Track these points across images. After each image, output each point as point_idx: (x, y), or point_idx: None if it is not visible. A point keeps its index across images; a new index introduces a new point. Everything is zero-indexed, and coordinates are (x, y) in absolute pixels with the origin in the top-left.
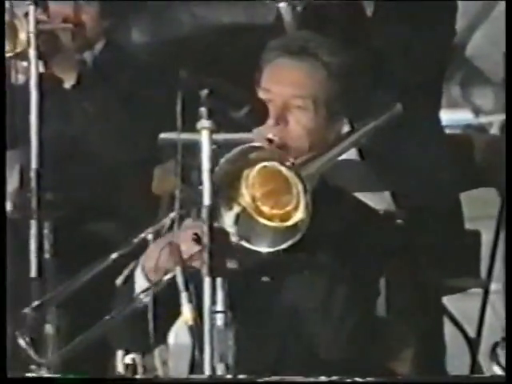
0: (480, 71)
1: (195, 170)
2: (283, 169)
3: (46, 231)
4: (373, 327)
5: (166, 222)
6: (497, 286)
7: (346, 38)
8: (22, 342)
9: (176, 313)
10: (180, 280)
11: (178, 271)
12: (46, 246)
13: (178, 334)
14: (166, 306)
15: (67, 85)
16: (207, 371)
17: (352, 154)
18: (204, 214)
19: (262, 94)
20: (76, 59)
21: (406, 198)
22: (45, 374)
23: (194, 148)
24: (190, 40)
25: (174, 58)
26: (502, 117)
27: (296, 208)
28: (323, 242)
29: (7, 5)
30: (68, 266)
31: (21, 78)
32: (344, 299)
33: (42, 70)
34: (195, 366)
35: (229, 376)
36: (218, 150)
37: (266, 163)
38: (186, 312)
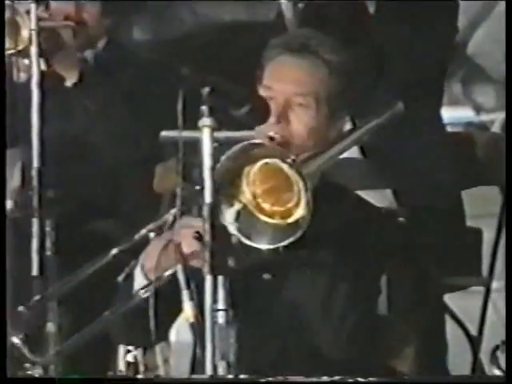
0: (481, 69)
1: (196, 168)
2: (284, 166)
3: (47, 229)
4: (374, 325)
5: (168, 217)
6: (498, 284)
7: (347, 36)
8: (16, 340)
9: (177, 310)
10: (181, 278)
11: (179, 269)
12: (48, 244)
13: (180, 332)
14: (167, 303)
15: (69, 83)
16: (208, 369)
17: (354, 152)
18: (205, 212)
19: (263, 92)
20: (78, 57)
21: (408, 196)
22: (40, 372)
23: (195, 146)
24: (191, 38)
25: (175, 56)
26: (503, 115)
27: (297, 205)
28: (325, 239)
29: (8, 1)
30: (70, 264)
31: (22, 76)
32: (345, 297)
33: (43, 67)
34: (197, 363)
35: (230, 376)
36: (220, 147)
37: (267, 160)
38: (188, 310)
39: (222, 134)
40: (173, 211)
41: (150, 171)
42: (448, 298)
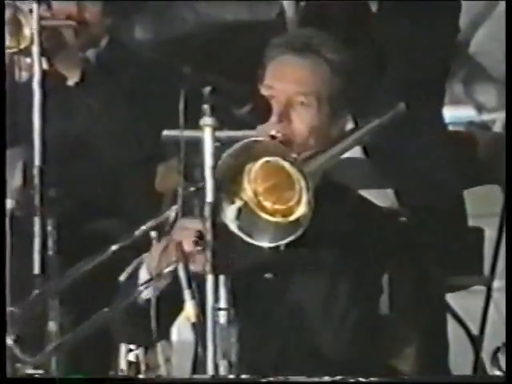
0: (483, 68)
1: (198, 167)
2: (286, 164)
3: (49, 228)
4: (375, 325)
5: (169, 214)
6: (500, 283)
7: (349, 35)
8: (8, 340)
9: (179, 309)
10: (183, 277)
11: (180, 268)
12: (50, 243)
13: (181, 331)
14: (168, 302)
15: (71, 82)
16: (210, 369)
17: (356, 152)
18: (207, 211)
19: (264, 91)
20: (79, 56)
21: (410, 196)
22: (30, 372)
23: (197, 145)
24: (192, 37)
25: (176, 55)
26: (504, 114)
27: (298, 204)
28: (326, 239)
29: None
30: (71, 263)
31: (24, 75)
32: (347, 296)
33: (45, 66)
34: (198, 363)
35: (232, 375)
36: (221, 147)
37: (268, 158)
38: (189, 309)
39: (224, 134)
40: (174, 207)
41: (151, 170)
42: (450, 298)
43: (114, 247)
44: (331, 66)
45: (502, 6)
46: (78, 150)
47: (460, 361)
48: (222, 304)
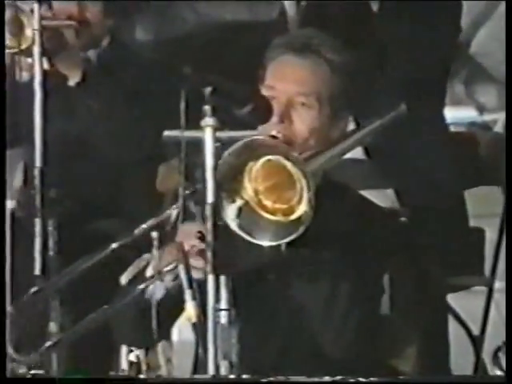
0: (484, 69)
1: (199, 167)
2: (287, 163)
3: (50, 229)
4: (376, 325)
5: (169, 213)
6: (501, 284)
7: (350, 35)
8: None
9: (179, 310)
10: (184, 277)
11: (181, 269)
12: (50, 243)
13: (182, 332)
14: (169, 303)
15: (72, 82)
16: (211, 369)
17: (358, 153)
18: (208, 211)
19: (265, 92)
20: (81, 57)
21: (411, 196)
22: (24, 371)
23: (197, 146)
24: (193, 38)
25: (177, 55)
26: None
27: (299, 203)
28: (327, 239)
29: (10, 0)
30: (72, 264)
31: (25, 75)
32: (348, 297)
33: (46, 67)
34: (199, 363)
35: (232, 376)
36: (222, 147)
37: (269, 157)
38: (190, 309)
39: (225, 134)
40: (174, 206)
41: (152, 171)
42: (450, 298)
43: (113, 245)
44: (332, 67)
45: (502, 6)
46: (78, 151)
47: (461, 361)
48: (223, 304)
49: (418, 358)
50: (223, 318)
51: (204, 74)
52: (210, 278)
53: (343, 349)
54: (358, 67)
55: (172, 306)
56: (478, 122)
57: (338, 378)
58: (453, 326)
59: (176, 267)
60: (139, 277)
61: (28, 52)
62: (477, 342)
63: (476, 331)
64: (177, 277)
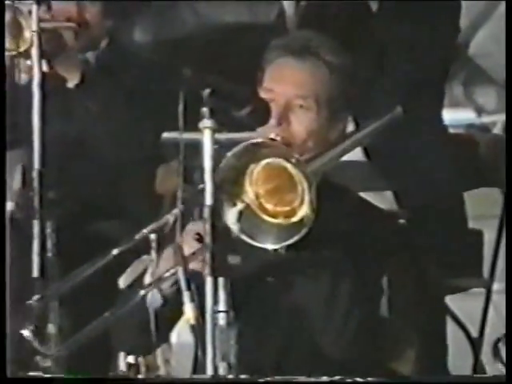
0: (483, 70)
1: (198, 169)
2: (288, 165)
3: (48, 231)
4: (376, 327)
5: (169, 218)
6: (499, 285)
7: (349, 35)
8: (27, 333)
9: (179, 313)
10: (182, 279)
11: (179, 271)
12: (49, 245)
13: (181, 333)
14: (169, 307)
15: (71, 84)
16: (209, 371)
17: (357, 155)
18: (206, 213)
19: (264, 94)
20: (79, 58)
21: (410, 198)
22: (49, 365)
23: (196, 147)
24: (192, 39)
25: (176, 57)
26: (504, 116)
27: (300, 205)
28: (326, 241)
29: (9, 2)
30: (71, 266)
31: (24, 77)
32: (347, 299)
33: (45, 69)
34: (198, 365)
35: (230, 376)
36: (221, 149)
37: (270, 160)
38: (188, 311)
39: (223, 136)
40: (174, 211)
41: (151, 172)
42: (449, 300)
43: (115, 251)
44: (330, 69)
45: (501, 7)
46: (77, 152)
47: (459, 363)
48: (222, 306)
49: (417, 360)
50: (221, 319)
51: (203, 76)
52: (209, 280)
53: (342, 351)
54: (357, 68)
55: (171, 312)
56: (477, 123)
57: (336, 378)
58: (451, 327)
59: (175, 274)
60: (138, 281)
61: (27, 54)
62: (475, 344)
63: (474, 333)
64: (176, 282)
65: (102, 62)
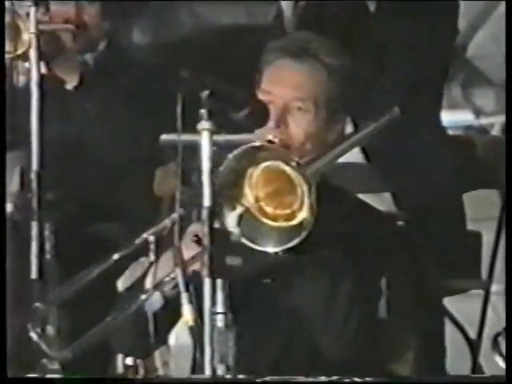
0: (481, 72)
1: (196, 171)
2: (287, 168)
3: (46, 232)
4: (375, 329)
5: (168, 222)
6: (498, 287)
7: (347, 35)
8: (34, 335)
9: (177, 316)
10: (180, 281)
11: (178, 273)
12: (47, 247)
13: (179, 335)
14: (167, 310)
15: (69, 86)
16: (208, 372)
17: (355, 157)
18: (204, 215)
19: (262, 96)
20: (78, 60)
21: (408, 199)
22: (56, 367)
23: (194, 149)
24: (190, 41)
25: (174, 59)
26: (502, 118)
27: (300, 208)
28: (325, 242)
29: (8, 5)
30: (69, 268)
31: (22, 80)
32: (346, 301)
33: (43, 71)
34: (196, 367)
35: (228, 376)
36: (219, 151)
37: (269, 163)
38: (187, 313)
39: (221, 138)
40: (174, 215)
41: (150, 174)
42: (447, 301)
43: (115, 256)
44: (328, 71)
45: (499, 9)
46: (75, 154)
47: (457, 365)
48: (220, 308)
49: (415, 362)
50: (220, 321)
51: (201, 78)
52: (207, 282)
53: (341, 352)
54: (355, 70)
55: (170, 314)
56: (475, 125)
57: (334, 378)
58: (449, 329)
59: (175, 278)
60: (137, 284)
61: (25, 56)
62: (474, 346)
63: (473, 335)
64: (176, 286)
65: (100, 63)
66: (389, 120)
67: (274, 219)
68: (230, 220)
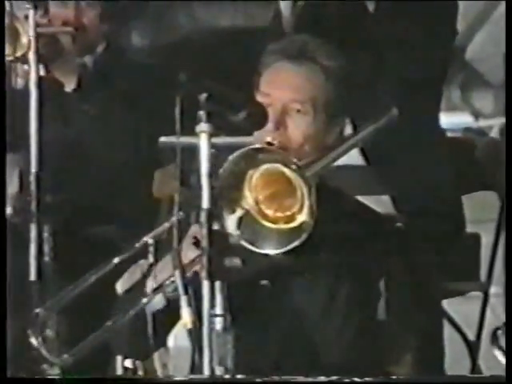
0: (480, 74)
1: (195, 173)
2: (287, 171)
3: (45, 234)
4: (373, 330)
5: (167, 225)
6: (496, 289)
7: (346, 35)
8: (34, 341)
9: (176, 318)
10: (179, 284)
11: (177, 275)
12: (46, 249)
13: (178, 337)
14: (167, 312)
15: (68, 88)
16: (206, 374)
17: (354, 159)
18: (203, 217)
19: (260, 98)
20: (77, 63)
21: (407, 201)
22: (57, 373)
23: (193, 151)
24: (189, 43)
25: (173, 61)
26: (501, 120)
27: (300, 210)
28: (323, 245)
29: (8, 7)
30: (67, 269)
31: (21, 82)
32: (344, 302)
33: (42, 73)
34: (195, 369)
35: (227, 376)
36: (218, 153)
37: (269, 165)
38: (186, 316)
39: (220, 140)
40: (173, 218)
41: (149, 176)
42: (446, 303)
43: (115, 260)
44: (327, 73)
45: (498, 11)
46: (74, 157)
47: (456, 366)
48: (218, 310)
49: (414, 364)
50: (218, 323)
51: (199, 80)
52: (205, 284)
53: (340, 354)
54: (354, 72)
55: (169, 316)
56: (474, 127)
57: (333, 378)
58: (448, 331)
59: (174, 282)
60: (136, 287)
61: (24, 59)
62: (472, 348)
63: (472, 337)
64: (175, 289)
65: (99, 66)
66: (387, 121)
67: (274, 221)
68: (230, 222)
